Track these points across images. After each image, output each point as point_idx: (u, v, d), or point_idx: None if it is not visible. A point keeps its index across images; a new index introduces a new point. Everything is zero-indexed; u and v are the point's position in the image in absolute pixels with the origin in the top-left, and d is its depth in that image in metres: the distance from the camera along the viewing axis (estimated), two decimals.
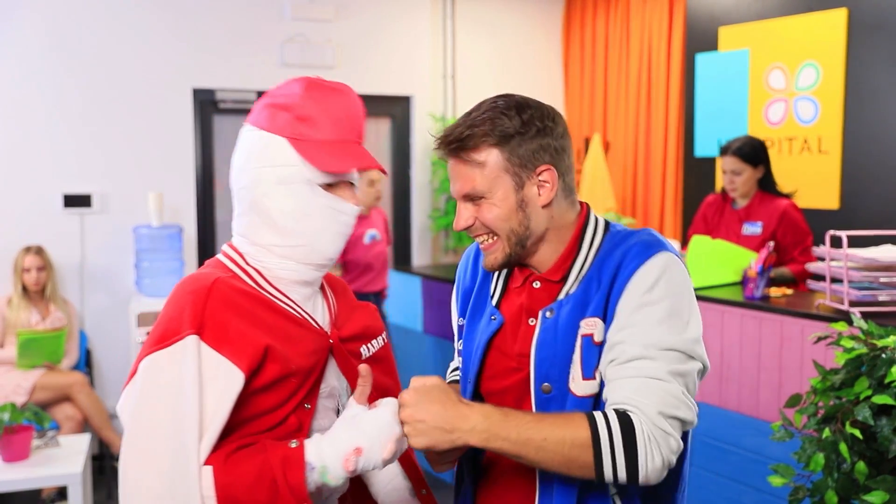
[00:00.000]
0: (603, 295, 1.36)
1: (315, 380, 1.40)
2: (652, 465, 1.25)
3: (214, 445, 1.29)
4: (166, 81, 5.14)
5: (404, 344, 4.81)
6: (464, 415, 1.26)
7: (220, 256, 1.47)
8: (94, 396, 4.51)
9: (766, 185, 3.76)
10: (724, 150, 3.76)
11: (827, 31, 4.52)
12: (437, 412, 1.26)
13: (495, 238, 1.41)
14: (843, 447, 2.18)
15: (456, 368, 1.67)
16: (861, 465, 2.17)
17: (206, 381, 1.28)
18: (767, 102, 4.87)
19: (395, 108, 5.91)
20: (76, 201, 4.94)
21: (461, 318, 1.58)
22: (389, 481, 1.56)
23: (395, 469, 1.56)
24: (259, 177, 1.39)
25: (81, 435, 3.83)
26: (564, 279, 1.41)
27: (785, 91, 4.77)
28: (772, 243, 3.33)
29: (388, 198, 5.98)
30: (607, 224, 1.46)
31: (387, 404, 1.33)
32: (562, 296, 1.40)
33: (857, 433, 2.16)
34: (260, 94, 5.37)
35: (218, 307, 1.32)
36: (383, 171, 1.45)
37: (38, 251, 4.60)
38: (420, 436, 1.27)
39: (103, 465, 4.65)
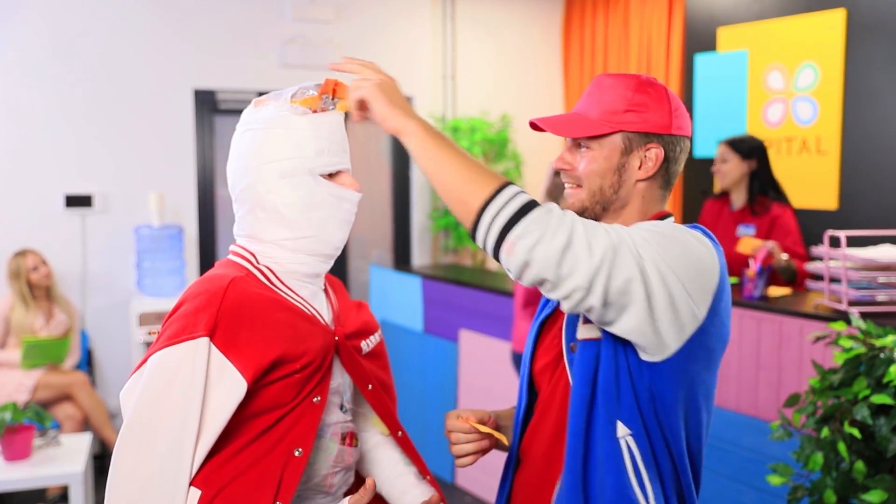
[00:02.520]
0: None
1: (323, 375, 1.42)
2: (528, 244, 1.20)
3: (221, 445, 1.32)
4: (167, 82, 5.15)
5: (404, 344, 4.82)
6: (410, 113, 1.33)
7: (231, 257, 1.49)
8: (95, 396, 4.52)
9: (765, 187, 3.77)
10: (718, 143, 3.84)
11: (825, 32, 4.53)
12: (396, 93, 1.36)
13: (579, 188, 1.44)
14: (841, 446, 2.19)
15: None
16: (860, 465, 2.18)
17: (211, 385, 1.30)
18: (766, 103, 4.88)
19: None
20: (77, 201, 4.95)
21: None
22: (393, 466, 1.58)
23: (396, 456, 1.59)
24: (260, 174, 1.42)
25: (82, 434, 3.84)
26: None
27: (784, 91, 4.78)
28: (770, 243, 3.34)
29: (388, 198, 5.99)
30: None
31: None
32: None
33: (856, 432, 2.17)
34: (260, 94, 5.38)
35: (232, 310, 1.34)
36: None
37: (33, 252, 4.59)
38: (370, 91, 1.35)
39: (104, 465, 4.66)
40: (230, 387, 1.30)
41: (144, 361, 1.34)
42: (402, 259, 5.99)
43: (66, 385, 4.45)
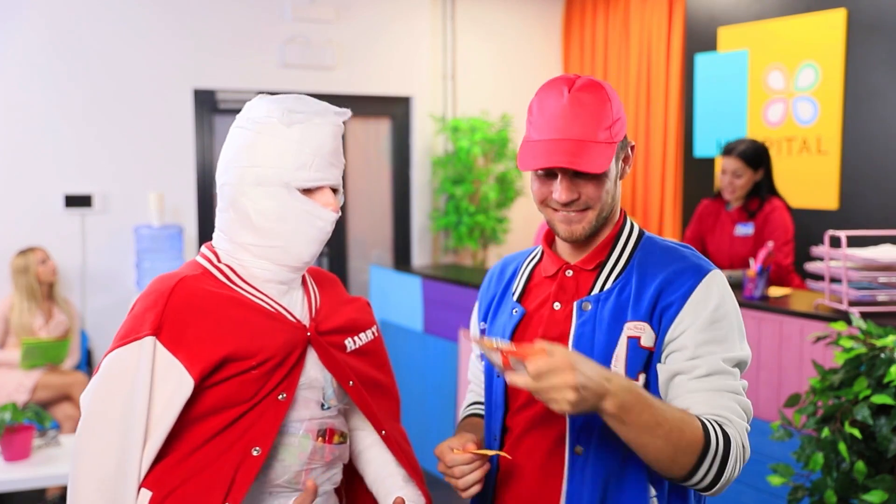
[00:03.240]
0: (648, 301, 1.38)
1: (288, 371, 1.40)
2: (729, 479, 1.30)
3: (174, 445, 1.32)
4: (167, 82, 5.15)
5: (404, 344, 4.82)
6: (608, 377, 1.22)
7: (196, 256, 1.49)
8: None
9: (763, 188, 3.75)
10: (728, 151, 3.74)
11: (826, 32, 4.53)
12: (592, 373, 1.19)
13: (587, 210, 1.41)
14: (842, 447, 2.19)
15: (473, 403, 1.67)
16: (860, 465, 2.18)
17: (157, 384, 1.31)
18: (766, 103, 4.88)
19: (395, 109, 5.92)
20: (77, 201, 4.95)
21: (483, 322, 1.60)
22: (384, 467, 1.57)
23: (388, 457, 1.58)
24: (240, 176, 1.41)
25: None
26: (599, 269, 1.44)
27: (784, 91, 4.78)
28: (771, 243, 3.34)
29: (388, 198, 5.99)
30: (641, 230, 1.51)
31: None
32: (596, 289, 1.42)
33: (856, 433, 2.17)
34: (260, 94, 5.38)
35: (179, 308, 1.34)
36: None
37: (40, 249, 4.61)
38: (576, 404, 1.18)
39: None
40: (176, 384, 1.31)
41: (100, 363, 1.37)
42: (402, 259, 5.99)
43: (66, 385, 4.45)
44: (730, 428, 1.30)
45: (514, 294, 1.52)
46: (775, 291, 3.30)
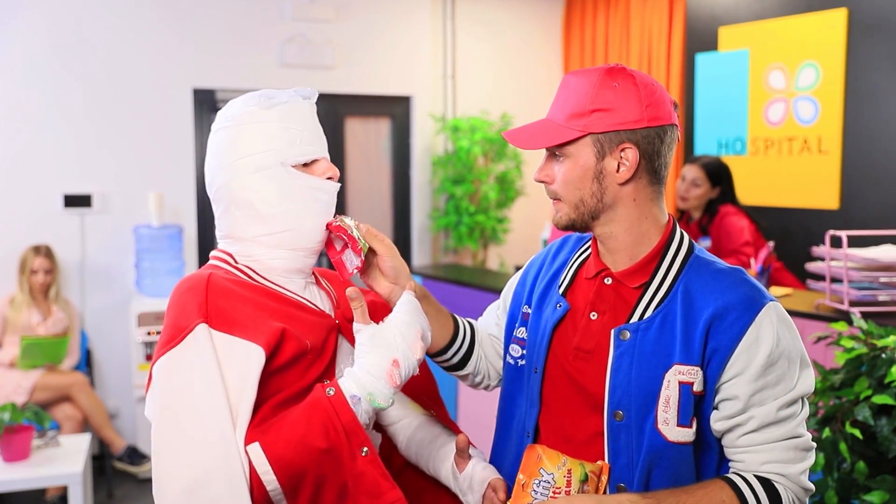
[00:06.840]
0: (698, 342, 1.31)
1: (329, 359, 1.40)
2: None
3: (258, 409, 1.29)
4: (167, 81, 5.14)
5: None
6: None
7: (211, 262, 1.47)
8: (95, 396, 4.51)
9: (715, 204, 3.83)
10: (692, 161, 3.89)
11: (827, 32, 4.52)
12: None
13: (558, 201, 1.39)
14: (843, 447, 2.19)
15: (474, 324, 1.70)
16: (861, 465, 2.18)
17: (224, 365, 1.27)
18: (767, 102, 4.88)
19: (395, 108, 5.91)
20: (76, 201, 4.94)
21: (527, 306, 1.55)
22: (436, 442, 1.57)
23: (437, 430, 1.58)
24: (234, 170, 1.41)
25: (82, 435, 3.83)
26: (642, 290, 1.38)
27: (785, 91, 4.77)
28: (771, 243, 3.34)
29: (388, 198, 5.98)
30: (691, 243, 1.42)
31: (396, 311, 1.38)
32: (636, 316, 1.36)
33: (857, 433, 2.17)
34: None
35: (220, 295, 1.33)
36: None
37: (48, 253, 4.61)
38: None
39: (103, 465, 4.65)
40: (244, 360, 1.27)
41: (151, 373, 1.32)
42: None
43: (66, 386, 4.44)
44: (780, 484, 1.30)
45: (560, 286, 1.48)
46: (776, 292, 3.30)
